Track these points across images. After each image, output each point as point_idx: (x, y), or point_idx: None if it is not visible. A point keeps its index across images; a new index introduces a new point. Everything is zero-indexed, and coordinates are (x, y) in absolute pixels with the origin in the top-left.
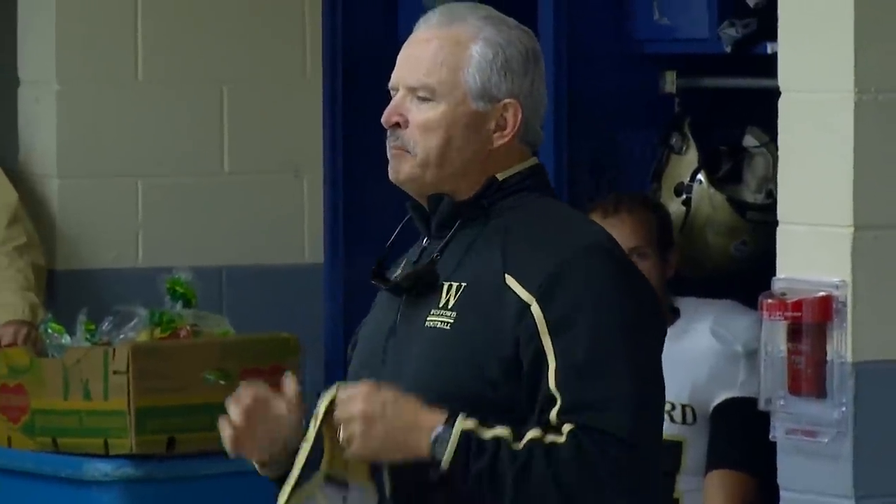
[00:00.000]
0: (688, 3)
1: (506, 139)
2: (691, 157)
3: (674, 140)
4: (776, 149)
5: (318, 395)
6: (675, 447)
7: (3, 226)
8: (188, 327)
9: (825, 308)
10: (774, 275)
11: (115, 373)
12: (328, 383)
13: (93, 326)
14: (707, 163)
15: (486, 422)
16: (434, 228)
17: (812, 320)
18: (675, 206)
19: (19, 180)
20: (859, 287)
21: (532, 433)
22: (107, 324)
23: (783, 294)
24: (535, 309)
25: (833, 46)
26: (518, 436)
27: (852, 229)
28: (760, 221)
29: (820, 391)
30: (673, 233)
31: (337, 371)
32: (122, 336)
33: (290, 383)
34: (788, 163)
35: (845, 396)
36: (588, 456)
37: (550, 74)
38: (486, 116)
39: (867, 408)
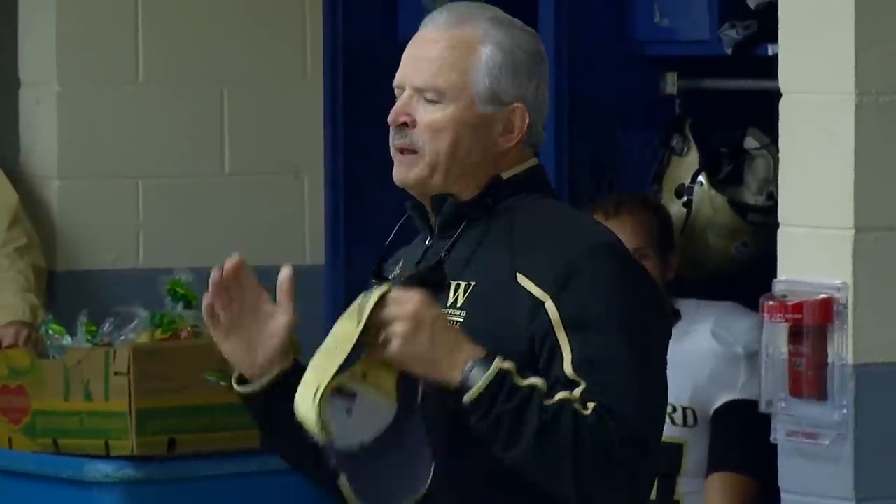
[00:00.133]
0: (688, 5)
1: (512, 142)
2: (692, 158)
3: (675, 142)
4: (777, 150)
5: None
6: (676, 449)
7: (3, 227)
8: (189, 328)
9: (826, 310)
10: (775, 277)
11: (115, 374)
12: None
13: (94, 328)
14: (708, 164)
15: (523, 372)
16: (438, 228)
17: (813, 322)
18: (675, 208)
19: (20, 181)
20: (860, 289)
21: (563, 394)
22: (107, 325)
23: (784, 296)
24: (550, 306)
25: (834, 48)
26: (550, 393)
27: (853, 231)
28: (761, 223)
29: (821, 393)
30: (674, 234)
31: None
32: (122, 337)
33: (285, 273)
34: (789, 165)
35: (846, 398)
36: (607, 433)
37: (551, 75)
38: (493, 119)
39: (868, 410)
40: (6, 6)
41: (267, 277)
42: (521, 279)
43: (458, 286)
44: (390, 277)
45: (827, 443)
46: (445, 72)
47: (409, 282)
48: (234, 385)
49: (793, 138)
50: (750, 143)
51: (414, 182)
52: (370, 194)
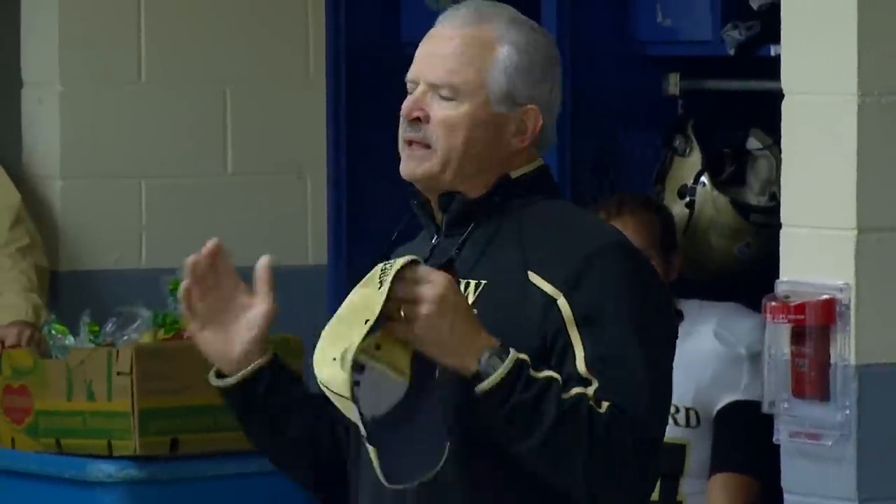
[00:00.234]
0: (691, 6)
1: (524, 143)
2: (695, 159)
3: (677, 142)
4: (779, 151)
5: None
6: (679, 450)
7: (5, 227)
8: None
9: (828, 311)
10: (778, 277)
11: (118, 374)
12: None
13: (96, 328)
14: (710, 165)
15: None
16: (445, 226)
17: (815, 323)
18: (678, 209)
19: (22, 181)
20: (862, 290)
21: (580, 388)
22: (110, 325)
23: (786, 297)
24: (563, 303)
25: (836, 49)
26: (566, 388)
27: (855, 232)
28: (764, 224)
29: (823, 394)
30: (676, 235)
31: None
32: (125, 337)
33: (263, 262)
34: (792, 165)
35: (849, 399)
36: (620, 432)
37: None
38: (506, 120)
39: (871, 410)
40: (8, 6)
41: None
42: (533, 277)
43: (467, 284)
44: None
45: (830, 443)
46: (462, 69)
47: None
48: (211, 378)
49: (795, 139)
50: (752, 143)
51: (422, 176)
52: (373, 194)
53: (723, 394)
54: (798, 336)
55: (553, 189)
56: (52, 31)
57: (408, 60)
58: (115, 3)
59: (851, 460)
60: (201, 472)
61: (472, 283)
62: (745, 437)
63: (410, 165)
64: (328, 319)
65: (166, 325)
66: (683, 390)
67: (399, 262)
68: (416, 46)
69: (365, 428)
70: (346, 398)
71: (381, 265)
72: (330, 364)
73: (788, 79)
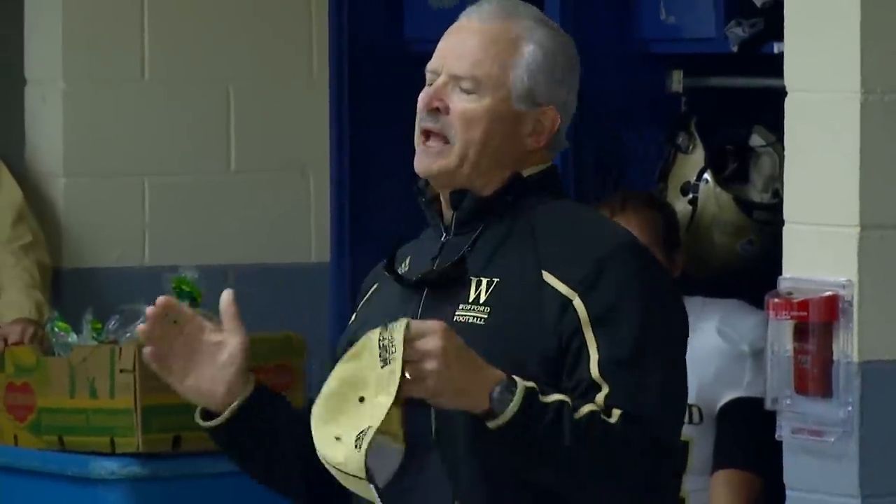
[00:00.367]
0: (694, 3)
1: (540, 143)
2: (697, 156)
3: (680, 139)
4: (782, 148)
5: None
6: (682, 447)
7: (8, 224)
8: None
9: (831, 308)
10: (780, 274)
11: (121, 371)
12: None
13: (99, 325)
14: (713, 162)
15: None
16: (455, 224)
17: (818, 320)
18: (681, 206)
19: (25, 179)
20: (865, 287)
21: (590, 406)
22: (113, 322)
23: (789, 293)
24: (578, 303)
25: (839, 46)
26: (576, 406)
27: (858, 229)
28: (767, 221)
29: (826, 391)
30: (679, 232)
31: None
32: (128, 334)
33: (227, 297)
34: (794, 162)
35: (851, 396)
36: (633, 441)
37: None
38: (525, 118)
39: (873, 407)
40: (12, 5)
41: (273, 275)
42: (548, 277)
43: (479, 282)
44: (402, 273)
45: (832, 440)
46: (487, 63)
47: (432, 276)
48: (198, 420)
49: (798, 136)
50: (755, 140)
51: (439, 172)
52: (376, 192)
53: (725, 390)
54: (801, 333)
55: (560, 190)
56: (55, 29)
57: (411, 59)
58: (119, 1)
59: (854, 457)
60: (204, 469)
61: (485, 280)
62: (747, 434)
63: (426, 161)
64: (331, 316)
65: None
66: None
67: (398, 327)
68: (419, 44)
69: (382, 501)
70: (362, 479)
71: (368, 337)
72: (334, 444)
73: (791, 76)
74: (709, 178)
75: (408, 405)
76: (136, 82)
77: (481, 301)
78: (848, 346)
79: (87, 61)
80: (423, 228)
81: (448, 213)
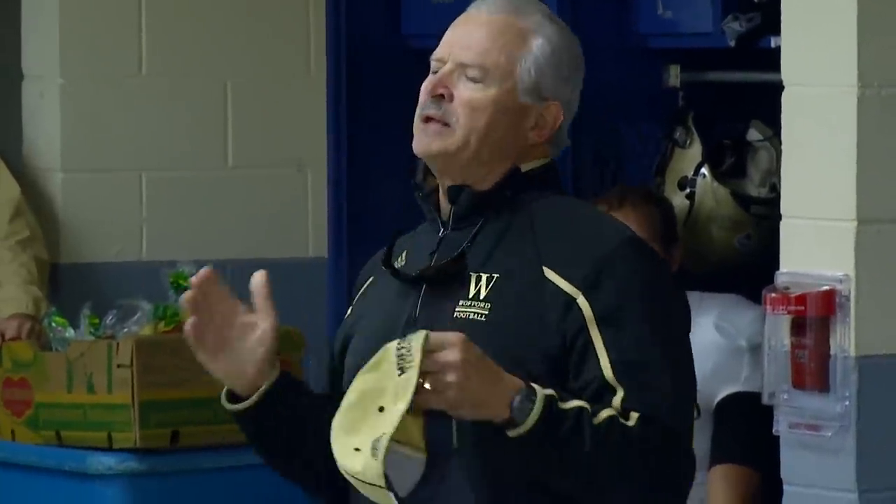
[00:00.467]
0: None
1: (541, 138)
2: (695, 151)
3: (677, 134)
4: (779, 143)
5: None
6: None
7: (5, 220)
8: None
9: (828, 302)
10: (778, 269)
11: (118, 366)
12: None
13: (96, 320)
14: (711, 157)
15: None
16: (453, 219)
17: (815, 314)
18: (678, 200)
19: (23, 174)
20: (862, 281)
21: (608, 411)
22: (110, 317)
23: (786, 288)
24: (582, 301)
25: (836, 41)
26: (594, 411)
27: (855, 223)
28: (764, 215)
29: (823, 385)
30: (677, 227)
31: None
32: (125, 330)
33: (259, 277)
34: (791, 157)
35: (848, 390)
36: (652, 443)
37: None
38: (529, 111)
39: (870, 402)
40: (10, 1)
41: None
42: (549, 273)
43: (479, 278)
44: (398, 268)
45: (829, 435)
46: (494, 53)
47: (430, 272)
48: (225, 403)
49: (795, 130)
50: (753, 135)
51: (438, 153)
52: (373, 188)
53: (723, 385)
54: (798, 327)
55: (559, 186)
56: (52, 25)
57: (409, 55)
58: None
59: (851, 451)
60: (202, 465)
61: (484, 276)
62: (745, 429)
63: (425, 141)
64: (329, 312)
65: (167, 318)
66: None
67: (417, 338)
68: (417, 40)
69: None
70: (381, 487)
71: (385, 348)
72: (353, 455)
73: (789, 70)
74: (706, 172)
75: (428, 415)
76: (134, 78)
77: (481, 297)
78: (845, 341)
79: (84, 57)
80: (419, 224)
81: (446, 208)
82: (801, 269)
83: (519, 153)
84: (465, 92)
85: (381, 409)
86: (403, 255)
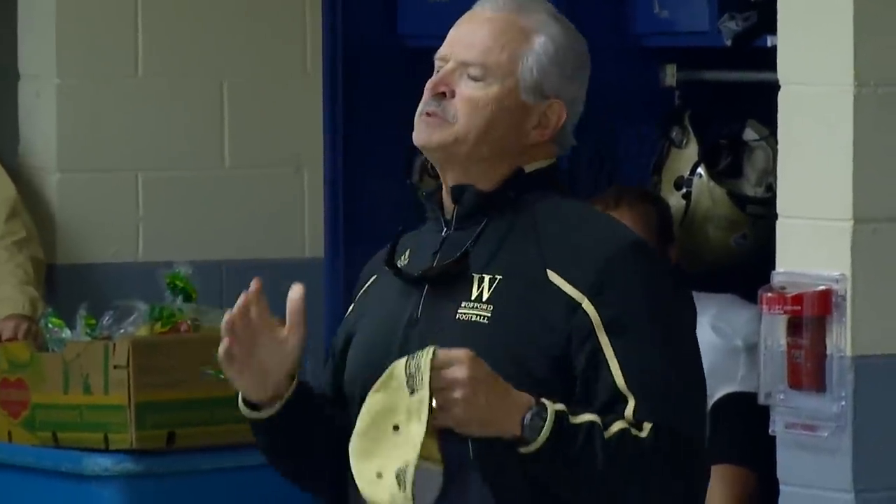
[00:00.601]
0: None
1: (543, 137)
2: (691, 150)
3: (674, 133)
4: (776, 142)
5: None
6: None
7: (1, 220)
8: (188, 322)
9: (825, 302)
10: (774, 268)
11: (115, 367)
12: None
13: (93, 321)
14: (707, 156)
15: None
16: (456, 219)
17: (812, 314)
18: (675, 200)
19: (19, 174)
20: (859, 281)
21: (620, 424)
22: (107, 318)
23: (783, 288)
24: (588, 307)
25: (832, 40)
26: (605, 423)
27: (852, 223)
28: (760, 215)
29: (819, 385)
30: (673, 226)
31: None
32: (122, 330)
33: (297, 291)
34: (788, 156)
35: (845, 390)
36: (666, 452)
37: None
38: (530, 110)
39: (866, 402)
40: (6, 1)
41: (267, 271)
42: (553, 276)
43: (481, 279)
44: (401, 268)
45: (826, 435)
46: (496, 51)
47: (433, 272)
48: (245, 411)
49: (791, 130)
50: (749, 134)
51: (438, 145)
52: (369, 188)
53: (719, 385)
54: (794, 327)
55: (563, 186)
56: (49, 25)
57: (405, 54)
58: None
59: (847, 451)
60: (198, 466)
61: (487, 277)
62: (741, 429)
63: (425, 133)
64: (325, 312)
65: (163, 319)
66: None
67: (425, 356)
68: (413, 40)
69: None
70: None
71: (394, 366)
72: (377, 483)
73: (785, 69)
74: (702, 172)
75: (443, 429)
76: (131, 78)
77: (484, 298)
78: (841, 341)
79: (81, 57)
80: (417, 224)
81: (449, 207)
82: (798, 269)
83: (521, 152)
84: (466, 90)
85: (396, 428)
86: (406, 253)
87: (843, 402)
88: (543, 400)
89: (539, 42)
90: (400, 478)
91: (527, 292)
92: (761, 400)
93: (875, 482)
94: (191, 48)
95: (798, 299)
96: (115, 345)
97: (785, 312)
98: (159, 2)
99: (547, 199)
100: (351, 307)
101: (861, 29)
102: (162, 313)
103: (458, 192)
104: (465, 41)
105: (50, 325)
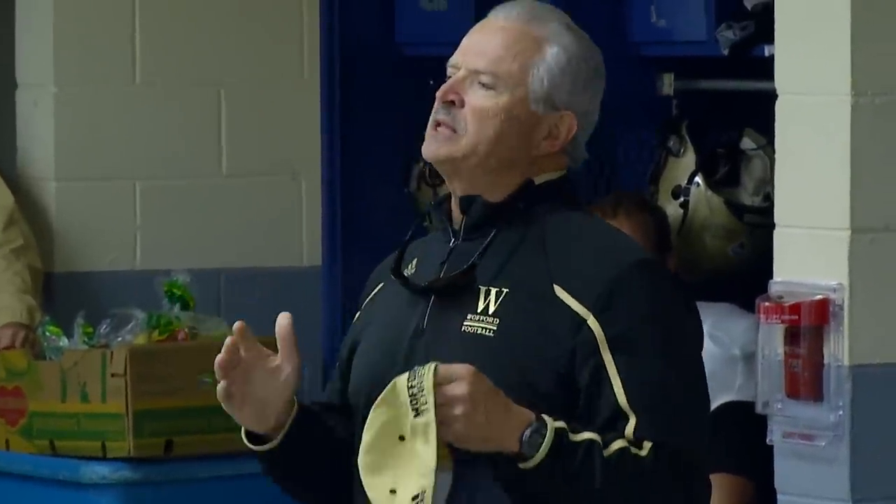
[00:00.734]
0: (685, 6)
1: (553, 149)
2: (689, 159)
3: (671, 142)
4: (773, 151)
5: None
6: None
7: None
8: (186, 330)
9: (822, 311)
10: (771, 278)
11: (112, 375)
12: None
13: (90, 329)
14: (704, 165)
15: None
16: (464, 230)
17: (809, 323)
18: (672, 209)
19: (17, 183)
20: (856, 290)
21: (620, 442)
22: (104, 326)
23: (780, 297)
24: (594, 324)
25: (830, 49)
26: (605, 441)
27: (849, 232)
28: (758, 224)
29: (817, 394)
30: (670, 235)
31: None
32: (119, 339)
33: (285, 320)
34: (785, 165)
35: (842, 400)
36: (665, 471)
37: None
38: (540, 120)
39: (864, 411)
40: (3, 8)
41: (265, 279)
42: (560, 292)
43: (488, 292)
44: (408, 277)
45: (823, 444)
46: (508, 60)
47: (440, 285)
48: (248, 444)
49: (789, 139)
50: (746, 143)
51: (446, 158)
52: (367, 195)
53: (717, 394)
54: (792, 336)
55: (574, 199)
56: (46, 33)
57: (402, 63)
58: (110, 4)
59: (845, 461)
60: (195, 474)
61: (494, 290)
62: (739, 438)
63: (433, 146)
64: (323, 321)
65: (160, 327)
66: None
67: (427, 373)
68: (410, 47)
69: None
70: None
71: (395, 382)
72: (390, 500)
73: (782, 79)
74: (700, 181)
75: None
76: (128, 86)
77: (490, 312)
78: (839, 350)
79: (78, 65)
80: (414, 232)
81: (458, 218)
82: (795, 278)
83: (531, 163)
84: (476, 99)
85: (402, 438)
86: (414, 262)
87: (841, 412)
88: (544, 416)
89: (551, 52)
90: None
91: (533, 307)
92: (759, 409)
93: (873, 491)
94: (188, 56)
95: (795, 308)
96: (112, 353)
97: (782, 322)
98: (156, 9)
99: (557, 212)
100: (357, 314)
101: (858, 38)
102: (159, 321)
103: (466, 202)
104: (476, 49)
105: (47, 334)
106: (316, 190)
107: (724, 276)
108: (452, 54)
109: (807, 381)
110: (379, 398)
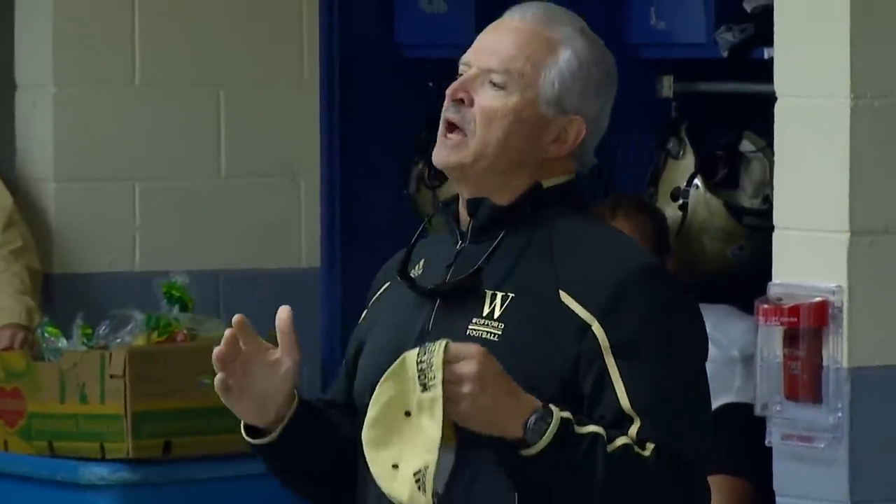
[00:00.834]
0: (685, 8)
1: (561, 153)
2: (688, 161)
3: (671, 145)
4: (772, 153)
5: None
6: None
7: None
8: (185, 331)
9: (821, 313)
10: (770, 280)
11: (111, 377)
12: (325, 388)
13: (89, 330)
14: (703, 167)
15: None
16: (472, 232)
17: (808, 325)
18: (671, 211)
19: (16, 184)
20: (855, 292)
21: (623, 439)
22: (103, 328)
23: (779, 299)
24: (598, 329)
25: (829, 52)
26: (610, 437)
27: (848, 234)
28: (757, 226)
29: (816, 396)
30: (669, 237)
31: (334, 375)
32: (118, 340)
33: (284, 313)
34: (784, 168)
35: (841, 402)
36: (667, 474)
37: None
38: (549, 123)
39: (863, 413)
40: (3, 8)
41: (264, 280)
42: (565, 297)
43: (493, 296)
44: (415, 279)
45: (822, 446)
46: (520, 60)
47: (446, 287)
48: (248, 438)
49: (788, 141)
50: (746, 146)
51: (455, 165)
52: (366, 197)
53: (716, 396)
54: (791, 338)
55: (581, 203)
56: (46, 34)
57: (402, 64)
58: (109, 6)
59: (843, 463)
60: (194, 475)
61: (500, 295)
62: (738, 440)
63: (443, 154)
64: (322, 322)
65: (160, 328)
66: None
67: (437, 350)
68: (410, 49)
69: None
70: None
71: (404, 357)
72: (394, 476)
73: (781, 81)
74: (699, 183)
75: None
76: (127, 87)
77: (495, 316)
78: (838, 352)
79: (77, 66)
80: (413, 234)
81: (465, 220)
82: (794, 281)
83: (539, 167)
84: (485, 99)
85: (408, 414)
86: (421, 263)
87: (840, 414)
88: (551, 406)
89: (563, 56)
90: (420, 481)
91: (538, 312)
92: (758, 411)
93: (871, 493)
94: (187, 57)
95: (795, 311)
96: (111, 354)
97: (781, 324)
98: (155, 11)
99: (564, 216)
100: (364, 314)
101: (857, 41)
102: (158, 323)
103: (474, 205)
104: (489, 48)
105: (46, 335)
106: (315, 191)
107: (723, 278)
108: (452, 56)
109: (806, 383)
110: (387, 372)
